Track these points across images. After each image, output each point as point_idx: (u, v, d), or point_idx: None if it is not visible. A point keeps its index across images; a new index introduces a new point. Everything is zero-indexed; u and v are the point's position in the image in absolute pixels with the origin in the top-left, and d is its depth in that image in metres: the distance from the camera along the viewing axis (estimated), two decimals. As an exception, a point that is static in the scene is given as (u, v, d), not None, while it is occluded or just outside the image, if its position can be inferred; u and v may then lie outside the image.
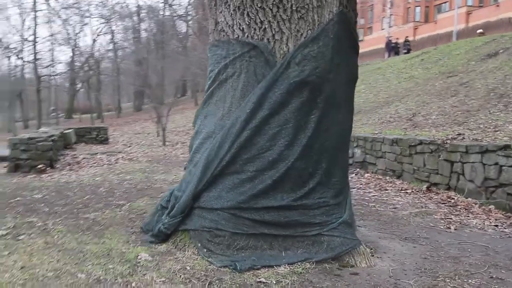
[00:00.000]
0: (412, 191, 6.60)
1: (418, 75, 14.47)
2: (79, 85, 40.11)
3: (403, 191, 6.68)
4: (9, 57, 27.36)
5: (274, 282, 3.02)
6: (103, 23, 37.08)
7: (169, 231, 3.69)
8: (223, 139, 3.48)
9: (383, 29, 35.26)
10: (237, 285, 2.97)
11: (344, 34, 3.67)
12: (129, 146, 15.04)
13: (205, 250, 3.42)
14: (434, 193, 6.41)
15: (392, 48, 26.05)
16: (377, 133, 8.79)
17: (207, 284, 2.95)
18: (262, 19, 3.44)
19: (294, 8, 3.41)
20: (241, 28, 3.52)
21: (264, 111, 3.38)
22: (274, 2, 3.40)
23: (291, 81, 3.39)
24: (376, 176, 7.99)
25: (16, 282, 2.94)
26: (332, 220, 3.49)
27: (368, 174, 8.20)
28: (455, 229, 4.67)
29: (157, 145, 15.14)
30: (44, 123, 30.17)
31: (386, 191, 6.76)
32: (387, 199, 6.18)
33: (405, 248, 3.97)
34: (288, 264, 3.29)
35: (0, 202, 5.63)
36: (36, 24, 23.30)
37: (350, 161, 9.11)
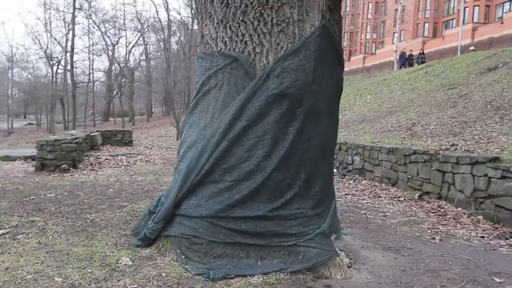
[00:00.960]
0: (405, 199, 6.25)
1: (421, 86, 14.00)
2: (114, 91, 40.61)
3: (396, 199, 6.33)
4: (51, 66, 27.85)
5: (244, 293, 2.78)
6: (137, 35, 37.47)
7: (152, 236, 3.49)
8: (203, 148, 3.26)
9: (393, 43, 34.59)
10: (207, 295, 2.74)
11: (327, 47, 3.42)
12: (150, 148, 14.99)
13: (184, 256, 3.20)
14: (425, 201, 6.05)
15: (406, 60, 25.30)
16: (376, 142, 8.44)
17: (177, 293, 2.72)
18: (243, 32, 3.21)
19: (274, 22, 3.17)
20: (224, 41, 3.30)
21: (243, 122, 3.15)
22: (255, 16, 3.17)
23: (270, 93, 3.15)
24: (373, 183, 7.65)
25: (-5, 284, 2.78)
26: (309, 231, 3.22)
27: (366, 181, 7.85)
28: (440, 239, 4.33)
29: (175, 148, 15.03)
30: (81, 125, 30.62)
31: (380, 198, 6.42)
32: (379, 207, 5.85)
33: (386, 259, 3.67)
34: (262, 274, 3.04)
35: (14, 200, 5.55)
36: (73, 36, 23.57)
37: (350, 167, 8.79)
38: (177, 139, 17.07)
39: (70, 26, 22.88)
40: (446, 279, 3.23)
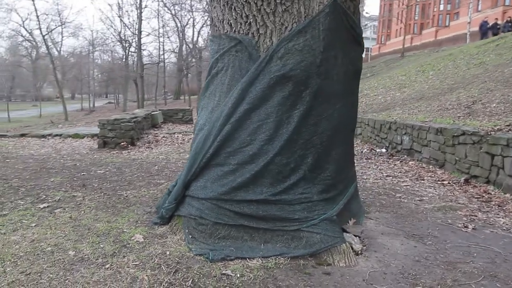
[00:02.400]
0: (449, 183, 5.79)
1: (489, 61, 12.72)
2: (185, 71, 41.86)
3: (439, 182, 5.89)
4: (124, 48, 29.36)
5: (238, 276, 2.75)
6: (205, 16, 37.98)
7: (167, 215, 3.58)
8: (209, 132, 3.24)
9: (469, 14, 31.53)
10: (201, 275, 2.75)
11: (339, 26, 3.18)
12: (208, 127, 15.29)
13: (190, 236, 3.25)
14: (471, 186, 5.56)
15: (488, 30, 22.71)
16: (426, 121, 7.87)
17: (173, 272, 2.77)
18: (247, 13, 3.09)
19: (278, 1, 3.01)
20: (230, 23, 3.20)
21: (245, 106, 3.06)
22: (259, -5, 3.02)
23: (272, 76, 3.01)
24: (420, 164, 7.17)
25: (18, 254, 3.02)
26: (314, 217, 3.10)
27: (413, 162, 7.39)
28: (473, 228, 3.96)
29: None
30: (153, 103, 32.02)
31: (422, 181, 6.01)
32: (418, 190, 5.49)
33: (403, 247, 3.44)
34: (262, 258, 2.99)
35: (67, 176, 5.97)
36: (140, 19, 24.52)
37: (399, 147, 8.32)
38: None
39: (138, 10, 23.89)
40: (463, 272, 2.95)
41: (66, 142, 10.93)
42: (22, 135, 11.56)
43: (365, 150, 9.05)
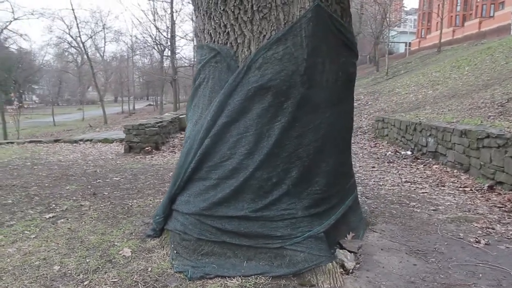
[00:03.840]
0: (471, 190, 5.40)
1: (531, 54, 11.87)
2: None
3: (461, 189, 5.50)
4: (159, 52, 30.02)
5: (213, 296, 2.65)
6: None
7: (157, 228, 3.53)
8: (190, 145, 3.15)
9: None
10: (176, 295, 2.67)
11: (325, 31, 3.00)
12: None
13: (175, 252, 3.18)
14: (496, 193, 5.15)
15: None
16: (452, 122, 7.41)
17: (148, 291, 2.71)
18: (225, 23, 2.97)
19: (255, 8, 2.86)
20: (209, 33, 3.10)
21: (224, 119, 2.95)
22: (235, 4, 2.89)
23: (250, 87, 2.88)
24: (444, 168, 6.75)
25: (6, 268, 3.08)
26: (297, 234, 2.94)
27: (437, 166, 6.97)
28: (486, 243, 3.63)
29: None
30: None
31: (442, 188, 5.64)
32: (435, 198, 5.14)
33: (400, 265, 3.20)
34: (243, 277, 2.87)
35: (82, 184, 6.10)
36: (173, 24, 24.99)
37: (424, 150, 7.89)
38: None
39: (171, 15, 24.42)
40: (460, 297, 2.69)
41: (95, 147, 11.26)
42: (56, 140, 12.02)
43: (389, 152, 8.67)
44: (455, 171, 6.47)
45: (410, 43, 52.64)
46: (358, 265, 3.17)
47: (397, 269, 3.14)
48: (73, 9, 48.65)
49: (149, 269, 3.03)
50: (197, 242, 3.09)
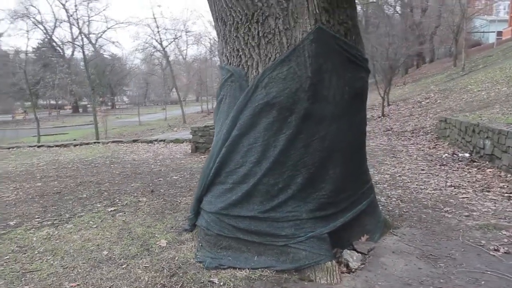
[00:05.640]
0: (518, 196, 5.19)
1: None
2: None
3: (506, 195, 5.31)
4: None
5: (221, 284, 3.09)
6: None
7: (190, 224, 4.07)
8: (212, 153, 3.63)
9: None
10: (191, 280, 3.16)
11: (329, 50, 3.28)
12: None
13: (200, 244, 3.68)
14: (543, 201, 4.92)
15: None
16: (512, 124, 7.02)
17: (170, 275, 3.23)
18: (237, 47, 3.39)
19: (261, 34, 3.24)
20: (226, 55, 3.54)
21: (236, 132, 3.38)
22: (245, 31, 3.30)
23: (257, 104, 3.27)
24: (498, 172, 6.47)
25: (68, 250, 3.82)
26: (301, 234, 3.27)
27: (491, 170, 6.68)
28: (505, 252, 3.61)
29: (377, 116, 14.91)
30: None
31: (487, 193, 5.48)
32: (473, 204, 5.05)
33: (404, 268, 3.36)
34: (252, 269, 3.28)
35: (145, 182, 6.92)
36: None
37: (481, 153, 7.55)
38: (382, 114, 15.36)
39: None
40: (449, 302, 2.82)
41: (167, 147, 12.33)
42: (134, 141, 13.36)
43: (446, 154, 8.40)
44: (508, 175, 6.19)
45: (501, 32, 48.16)
46: (362, 266, 3.40)
47: (399, 271, 3.31)
48: (154, 18, 52.42)
49: (176, 258, 3.56)
50: (217, 237, 3.55)
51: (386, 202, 5.27)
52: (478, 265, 3.39)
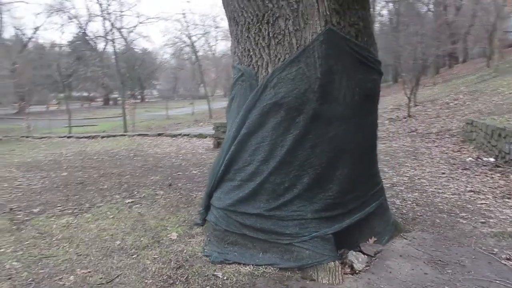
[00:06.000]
0: (540, 204, 5.03)
1: None
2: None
3: (527, 203, 5.15)
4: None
5: (224, 278, 3.17)
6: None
7: (201, 218, 4.16)
8: (221, 151, 3.71)
9: None
10: (196, 273, 3.25)
11: (340, 51, 3.28)
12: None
13: (208, 239, 3.77)
14: None
15: None
16: (540, 129, 6.76)
17: (177, 267, 3.34)
18: (248, 47, 3.44)
19: (271, 35, 3.29)
20: (238, 55, 3.60)
21: (244, 130, 3.44)
22: (256, 31, 3.35)
23: (265, 104, 3.32)
24: (523, 179, 6.26)
25: (84, 239, 3.99)
26: (305, 233, 3.30)
27: (515, 176, 6.47)
28: (517, 261, 3.53)
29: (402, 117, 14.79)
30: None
31: (506, 200, 5.32)
32: (491, 210, 4.93)
33: (409, 273, 3.33)
34: (256, 265, 3.33)
35: (165, 175, 7.08)
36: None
37: (507, 158, 7.31)
38: (408, 115, 15.01)
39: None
40: (450, 309, 2.79)
41: (190, 142, 12.55)
42: (159, 134, 13.65)
43: (470, 158, 8.17)
44: (532, 182, 5.99)
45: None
46: (367, 268, 3.40)
47: (403, 275, 3.29)
48: (183, 14, 53.18)
49: (185, 251, 3.67)
50: (224, 233, 3.63)
51: (401, 205, 5.21)
52: (487, 274, 3.33)
